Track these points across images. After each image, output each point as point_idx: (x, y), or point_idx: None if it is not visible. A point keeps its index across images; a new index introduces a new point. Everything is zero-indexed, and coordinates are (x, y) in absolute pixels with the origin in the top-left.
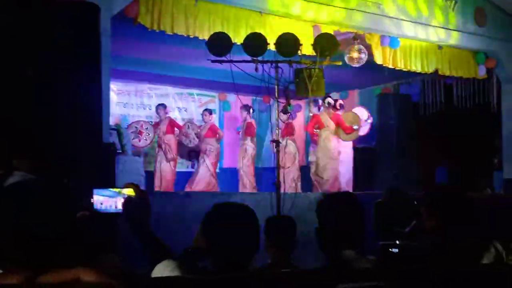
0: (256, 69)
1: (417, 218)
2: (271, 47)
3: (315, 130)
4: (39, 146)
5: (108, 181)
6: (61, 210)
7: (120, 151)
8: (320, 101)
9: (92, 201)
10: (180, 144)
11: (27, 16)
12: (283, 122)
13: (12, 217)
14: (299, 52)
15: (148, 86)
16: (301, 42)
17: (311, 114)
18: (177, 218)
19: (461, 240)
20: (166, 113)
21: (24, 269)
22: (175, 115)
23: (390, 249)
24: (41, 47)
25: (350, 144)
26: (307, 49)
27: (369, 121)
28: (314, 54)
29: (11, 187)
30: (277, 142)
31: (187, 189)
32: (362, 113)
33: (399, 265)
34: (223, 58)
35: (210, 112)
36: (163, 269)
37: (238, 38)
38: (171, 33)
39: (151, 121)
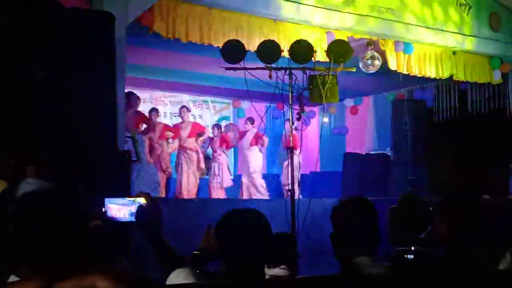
0: (270, 76)
1: (432, 224)
2: (285, 54)
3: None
4: (53, 153)
5: (123, 189)
6: (75, 218)
7: (135, 159)
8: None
9: (104, 210)
10: None
11: (42, 24)
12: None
13: (28, 226)
14: (312, 58)
15: (163, 94)
16: (314, 49)
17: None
18: (192, 225)
19: (475, 246)
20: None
21: (40, 276)
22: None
23: (405, 256)
24: (55, 54)
25: None
26: (321, 55)
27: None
28: (328, 60)
29: (28, 196)
30: (291, 149)
31: None
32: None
33: (414, 272)
34: (237, 66)
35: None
36: (176, 276)
37: (252, 45)
38: (186, 41)
39: None
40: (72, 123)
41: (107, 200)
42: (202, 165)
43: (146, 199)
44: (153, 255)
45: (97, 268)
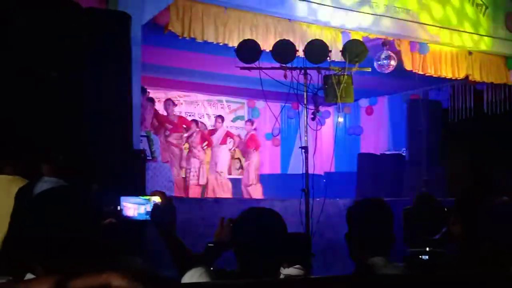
0: (285, 76)
1: (447, 225)
2: (300, 53)
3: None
4: (70, 152)
5: (139, 188)
6: (90, 216)
7: (150, 158)
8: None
9: (119, 208)
10: None
11: (58, 24)
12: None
13: (44, 223)
14: (328, 58)
15: (178, 94)
16: (330, 49)
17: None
18: (207, 224)
19: (491, 247)
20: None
21: (55, 274)
22: (204, 121)
23: (419, 256)
24: (71, 54)
25: None
26: (336, 55)
27: None
28: (343, 60)
29: (43, 194)
30: (305, 149)
31: None
32: None
33: (428, 272)
34: (252, 65)
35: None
36: (191, 276)
37: (267, 45)
38: (201, 41)
39: None
40: (87, 122)
41: (122, 198)
42: (184, 163)
43: (161, 198)
44: (168, 254)
45: (112, 266)
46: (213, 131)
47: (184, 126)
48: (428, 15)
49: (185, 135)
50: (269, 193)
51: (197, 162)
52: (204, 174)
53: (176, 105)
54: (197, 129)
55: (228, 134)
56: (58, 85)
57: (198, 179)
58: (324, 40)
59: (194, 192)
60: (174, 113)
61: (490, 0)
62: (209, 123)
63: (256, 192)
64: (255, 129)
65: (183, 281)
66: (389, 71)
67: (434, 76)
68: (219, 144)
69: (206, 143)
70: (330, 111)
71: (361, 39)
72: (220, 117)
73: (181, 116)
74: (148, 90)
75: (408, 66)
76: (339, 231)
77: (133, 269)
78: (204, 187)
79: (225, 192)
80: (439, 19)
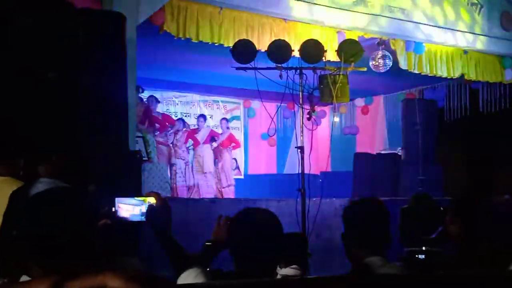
0: (281, 76)
1: (443, 225)
2: (296, 53)
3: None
4: (66, 153)
5: (134, 189)
6: (87, 217)
7: (146, 159)
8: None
9: (115, 210)
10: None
11: (53, 25)
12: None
13: (40, 224)
14: (323, 58)
15: (174, 94)
16: (325, 49)
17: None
18: (203, 224)
19: (487, 247)
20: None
21: (52, 275)
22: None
23: (416, 256)
24: (66, 55)
25: None
26: (331, 55)
27: None
28: (339, 60)
29: (40, 195)
30: (301, 148)
31: None
32: None
33: (426, 272)
34: (248, 65)
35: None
36: (187, 276)
37: (262, 45)
38: (197, 41)
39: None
40: (83, 123)
41: (117, 199)
42: (173, 160)
43: (156, 199)
44: (164, 255)
45: (108, 267)
46: (195, 130)
47: (168, 124)
48: (423, 14)
49: (171, 131)
50: (265, 193)
51: (182, 163)
52: (191, 175)
53: (159, 102)
54: (184, 128)
55: (212, 134)
56: (54, 86)
57: (185, 180)
58: (320, 40)
59: (182, 195)
60: (157, 110)
61: None
62: (212, 123)
63: (229, 195)
64: (228, 127)
65: (179, 281)
66: (384, 70)
67: (430, 75)
68: (203, 144)
69: (192, 142)
70: (325, 111)
71: (356, 39)
72: (202, 116)
73: (164, 114)
74: (143, 88)
75: (403, 65)
76: (336, 231)
77: (130, 269)
78: (192, 187)
79: (210, 193)
80: (434, 18)
